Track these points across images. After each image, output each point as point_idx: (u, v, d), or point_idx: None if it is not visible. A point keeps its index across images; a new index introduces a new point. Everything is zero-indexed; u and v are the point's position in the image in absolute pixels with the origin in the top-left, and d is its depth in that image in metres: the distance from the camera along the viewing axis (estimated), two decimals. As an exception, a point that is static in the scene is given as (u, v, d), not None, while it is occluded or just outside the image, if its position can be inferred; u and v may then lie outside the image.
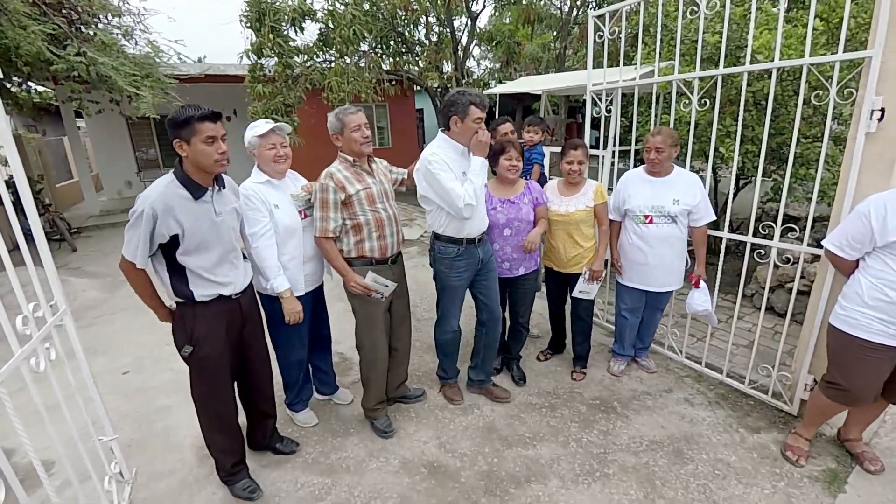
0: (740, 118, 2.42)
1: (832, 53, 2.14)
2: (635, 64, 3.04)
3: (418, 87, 8.99)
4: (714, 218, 2.62)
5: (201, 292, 1.82)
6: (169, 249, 1.74)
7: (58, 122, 10.37)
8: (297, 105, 6.80)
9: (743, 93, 2.35)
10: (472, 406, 2.72)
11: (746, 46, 3.01)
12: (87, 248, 6.83)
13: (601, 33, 2.93)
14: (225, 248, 1.85)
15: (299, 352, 2.44)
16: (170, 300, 1.87)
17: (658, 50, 2.69)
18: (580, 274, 2.70)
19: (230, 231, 1.89)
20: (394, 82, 7.60)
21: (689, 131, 2.68)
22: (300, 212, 2.25)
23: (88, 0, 5.76)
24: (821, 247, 2.25)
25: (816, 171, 2.31)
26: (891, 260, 1.78)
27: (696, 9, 2.41)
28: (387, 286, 2.27)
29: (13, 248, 1.21)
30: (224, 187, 1.88)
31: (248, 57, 6.61)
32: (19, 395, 1.49)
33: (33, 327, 1.60)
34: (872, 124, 1.92)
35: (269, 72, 6.83)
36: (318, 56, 7.20)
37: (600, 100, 3.12)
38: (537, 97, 11.25)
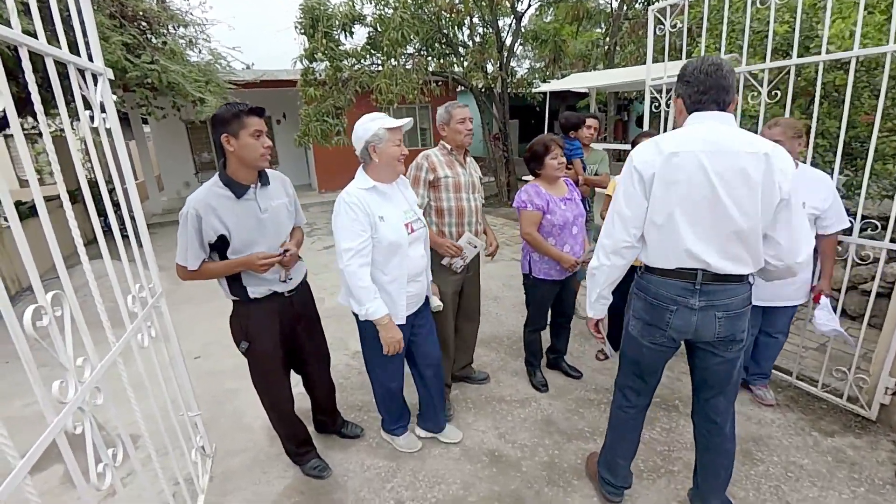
0: (816, 111, 2.33)
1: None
2: (696, 57, 2.97)
3: (462, 88, 9.07)
4: (848, 224, 2.24)
5: (254, 289, 1.88)
6: (221, 250, 1.80)
7: (124, 127, 11.15)
8: (347, 107, 7.03)
9: (818, 84, 2.26)
10: (529, 399, 2.74)
11: (816, 37, 2.88)
12: (153, 244, 7.31)
13: (661, 27, 2.89)
14: (273, 244, 1.87)
15: (395, 380, 2.21)
16: (227, 298, 1.94)
17: (723, 41, 2.63)
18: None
19: (278, 226, 1.90)
20: (439, 83, 7.72)
21: (756, 125, 2.60)
22: (406, 225, 1.95)
23: (159, 11, 6.20)
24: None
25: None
26: None
27: (766, -2, 2.35)
28: (475, 247, 2.44)
29: (89, 242, 1.34)
30: (269, 183, 1.89)
31: (302, 62, 6.89)
32: (111, 370, 1.59)
33: (139, 307, 1.77)
34: (970, 112, 1.81)
35: (321, 75, 7.10)
36: (366, 59, 7.41)
37: (660, 94, 3.07)
38: (582, 95, 11.13)
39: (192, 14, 7.36)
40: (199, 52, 7.57)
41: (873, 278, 2.45)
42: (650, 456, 2.25)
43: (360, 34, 7.93)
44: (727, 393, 1.69)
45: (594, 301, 1.77)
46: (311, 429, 2.38)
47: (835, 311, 2.35)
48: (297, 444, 2.23)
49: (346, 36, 7.08)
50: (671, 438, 2.36)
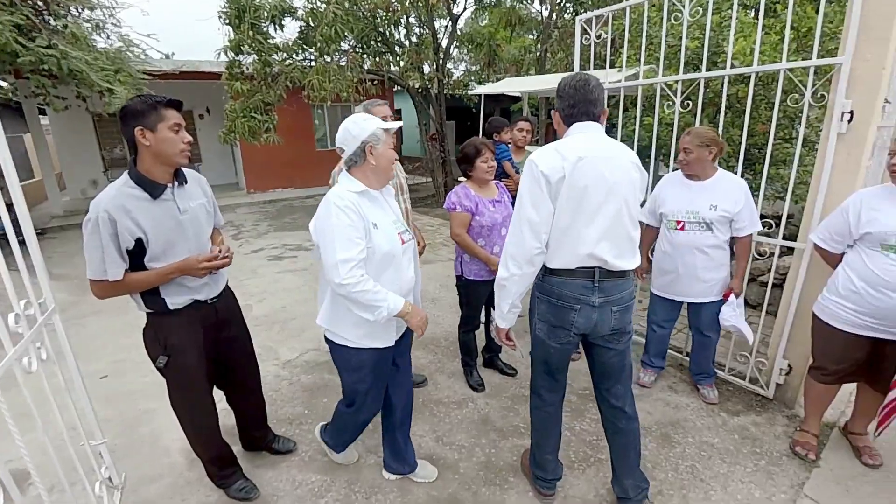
0: (721, 120, 2.55)
1: (802, 60, 2.29)
2: (618, 67, 3.15)
3: (398, 87, 8.99)
4: (759, 227, 2.44)
5: (174, 300, 1.72)
6: (136, 257, 1.62)
7: (17, 118, 9.87)
8: (277, 103, 6.71)
9: (724, 96, 2.48)
10: (466, 400, 2.76)
11: (723, 52, 3.16)
12: (51, 250, 6.51)
13: (588, 37, 3.02)
14: (193, 248, 1.73)
15: (372, 412, 2.00)
16: (140, 311, 1.75)
17: (643, 53, 2.81)
18: None
19: (198, 228, 1.77)
20: (375, 82, 7.59)
21: (671, 132, 2.80)
22: (398, 234, 1.77)
23: (57, -10, 5.56)
24: (794, 240, 2.40)
25: (787, 171, 2.45)
26: (863, 252, 1.92)
27: (679, 15, 2.53)
28: None
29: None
30: (186, 182, 1.75)
31: (227, 54, 6.48)
32: None
33: (25, 326, 1.55)
34: (843, 126, 2.07)
35: (248, 69, 6.72)
36: (297, 54, 7.12)
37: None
38: (515, 99, 11.46)
39: (99, -5, 6.69)
40: (108, 37, 6.89)
41: (770, 271, 2.71)
42: (580, 447, 2.35)
43: (292, 28, 7.58)
44: (623, 380, 1.84)
45: (506, 312, 1.77)
46: (236, 448, 2.23)
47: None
48: (222, 465, 2.07)
49: (275, 29, 6.75)
50: (599, 429, 2.44)
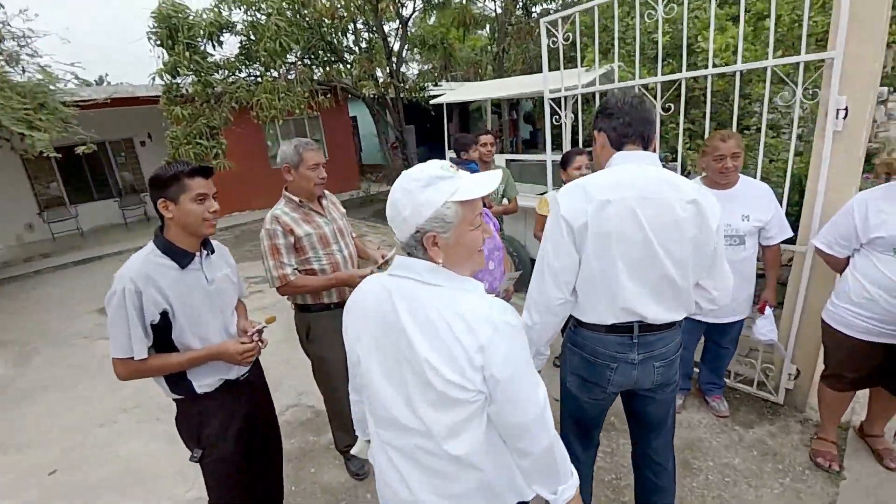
0: (708, 121, 2.43)
1: (786, 55, 2.19)
2: (586, 67, 2.99)
3: (352, 97, 8.64)
4: (790, 234, 2.21)
5: (202, 381, 1.57)
6: (161, 333, 1.50)
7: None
8: (224, 126, 6.26)
9: (709, 95, 2.36)
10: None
11: (697, 49, 3.03)
12: (-16, 310, 5.87)
13: (555, 39, 2.84)
14: (220, 322, 1.63)
15: None
16: (167, 397, 1.60)
17: (616, 52, 2.65)
18: None
19: (225, 300, 1.67)
20: (327, 94, 7.23)
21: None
22: None
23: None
24: (793, 240, 2.30)
25: (773, 165, 2.34)
26: (874, 257, 1.82)
27: (653, 12, 2.38)
28: None
29: None
30: (213, 252, 1.66)
31: (162, 77, 5.97)
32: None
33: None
34: (839, 123, 1.96)
35: (187, 91, 6.23)
36: (241, 71, 6.67)
37: (559, 106, 3.04)
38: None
39: (9, 26, 6.06)
40: (24, 70, 6.26)
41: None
42: (600, 489, 2.17)
43: (232, 43, 7.07)
44: (665, 433, 1.66)
45: (532, 357, 1.62)
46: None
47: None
48: None
49: (213, 46, 6.29)
50: (616, 463, 2.32)
